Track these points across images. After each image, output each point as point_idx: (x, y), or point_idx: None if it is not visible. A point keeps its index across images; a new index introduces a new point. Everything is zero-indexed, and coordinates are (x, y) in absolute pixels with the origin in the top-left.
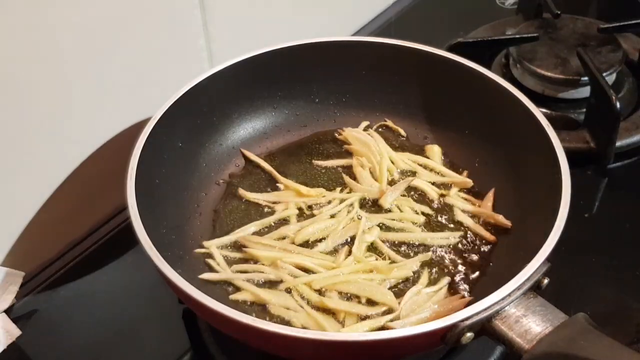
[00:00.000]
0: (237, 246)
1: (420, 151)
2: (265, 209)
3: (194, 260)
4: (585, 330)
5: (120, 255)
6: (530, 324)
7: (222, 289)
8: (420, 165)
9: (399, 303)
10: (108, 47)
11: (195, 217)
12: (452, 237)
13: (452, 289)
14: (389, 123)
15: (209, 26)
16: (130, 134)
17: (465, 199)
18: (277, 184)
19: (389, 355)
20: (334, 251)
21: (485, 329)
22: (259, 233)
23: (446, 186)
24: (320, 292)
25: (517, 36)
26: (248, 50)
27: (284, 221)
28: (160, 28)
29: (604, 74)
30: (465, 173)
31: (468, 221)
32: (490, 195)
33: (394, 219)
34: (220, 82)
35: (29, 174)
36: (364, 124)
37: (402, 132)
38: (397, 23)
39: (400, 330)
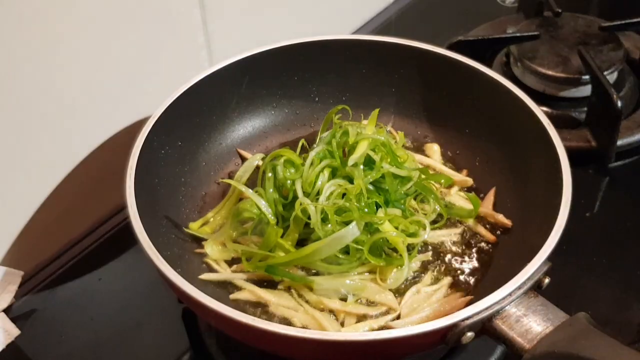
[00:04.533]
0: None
1: (420, 150)
2: None
3: (194, 260)
4: (586, 329)
5: (120, 254)
6: (531, 323)
7: (222, 289)
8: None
9: (399, 303)
10: (107, 45)
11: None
12: (452, 237)
13: (453, 288)
14: (389, 127)
15: (209, 25)
16: (129, 133)
17: (466, 198)
18: None
19: (389, 355)
20: None
21: (485, 328)
22: None
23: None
24: None
25: (518, 34)
26: (248, 48)
27: None
28: (160, 27)
29: (605, 73)
30: (465, 172)
31: (468, 220)
32: (490, 195)
33: None
34: (220, 81)
35: (27, 173)
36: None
37: (397, 138)
38: (397, 21)
39: (400, 330)
